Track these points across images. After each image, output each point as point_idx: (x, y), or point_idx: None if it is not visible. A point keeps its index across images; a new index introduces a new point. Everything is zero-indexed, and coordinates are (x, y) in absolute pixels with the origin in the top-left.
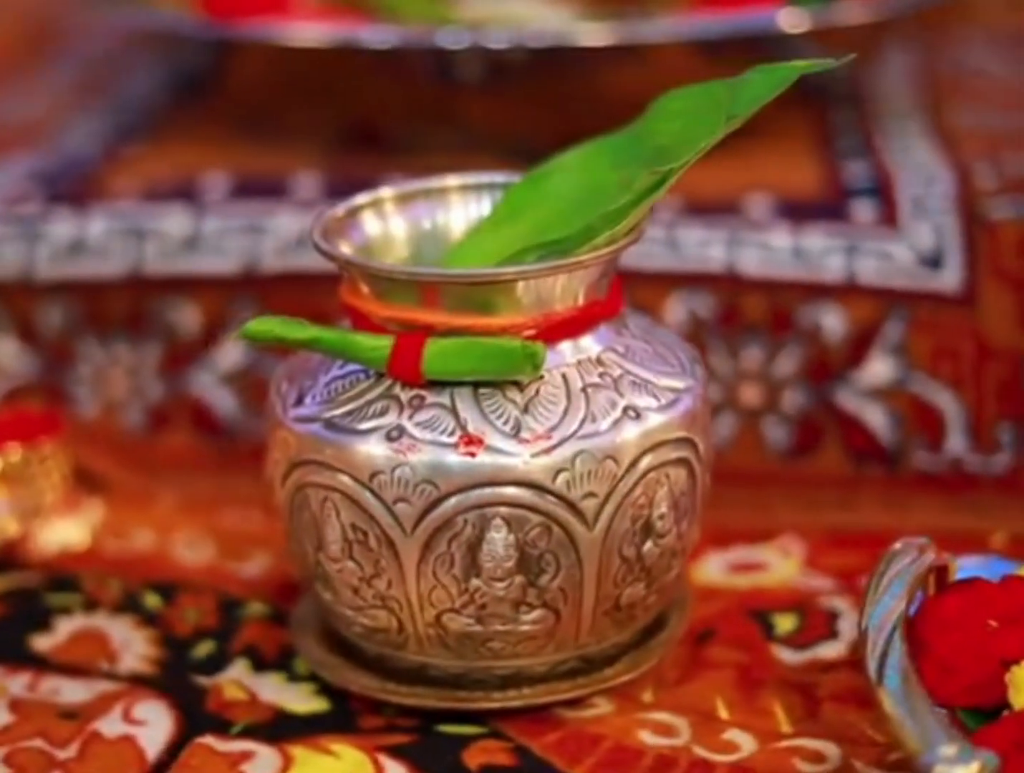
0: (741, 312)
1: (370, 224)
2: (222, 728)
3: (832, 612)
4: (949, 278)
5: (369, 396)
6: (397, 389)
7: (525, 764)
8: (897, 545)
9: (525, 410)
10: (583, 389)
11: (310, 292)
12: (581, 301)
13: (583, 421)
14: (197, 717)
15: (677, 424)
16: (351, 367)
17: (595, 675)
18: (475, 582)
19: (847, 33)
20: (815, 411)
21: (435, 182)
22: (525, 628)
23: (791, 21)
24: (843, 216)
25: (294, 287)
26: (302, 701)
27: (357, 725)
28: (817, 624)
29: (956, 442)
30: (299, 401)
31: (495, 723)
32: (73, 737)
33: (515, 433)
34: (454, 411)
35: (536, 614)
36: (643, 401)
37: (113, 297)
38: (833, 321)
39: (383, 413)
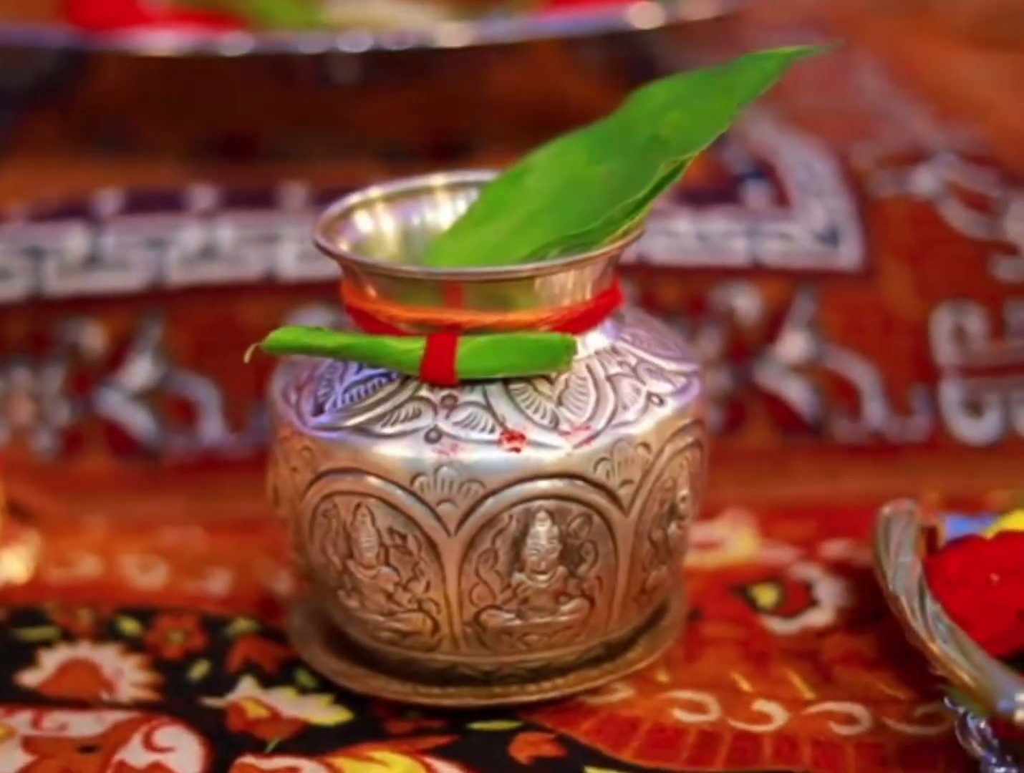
0: (657, 299)
1: (362, 224)
2: (256, 747)
3: (806, 581)
4: (848, 255)
5: (398, 399)
6: (425, 391)
7: (573, 753)
8: (886, 510)
9: (559, 403)
10: (608, 379)
11: (220, 303)
12: (592, 293)
13: (615, 410)
14: (225, 739)
15: (691, 408)
16: (369, 372)
17: (619, 660)
18: (518, 576)
19: (696, 27)
20: (739, 389)
21: (422, 181)
22: (563, 619)
23: (644, 17)
24: (737, 200)
25: (201, 300)
26: (323, 713)
27: (386, 731)
28: (796, 594)
29: (875, 410)
30: (319, 410)
31: (527, 716)
32: (101, 771)
33: (554, 426)
34: (490, 409)
35: (574, 604)
36: (661, 387)
37: (10, 321)
38: (745, 302)
39: (416, 415)
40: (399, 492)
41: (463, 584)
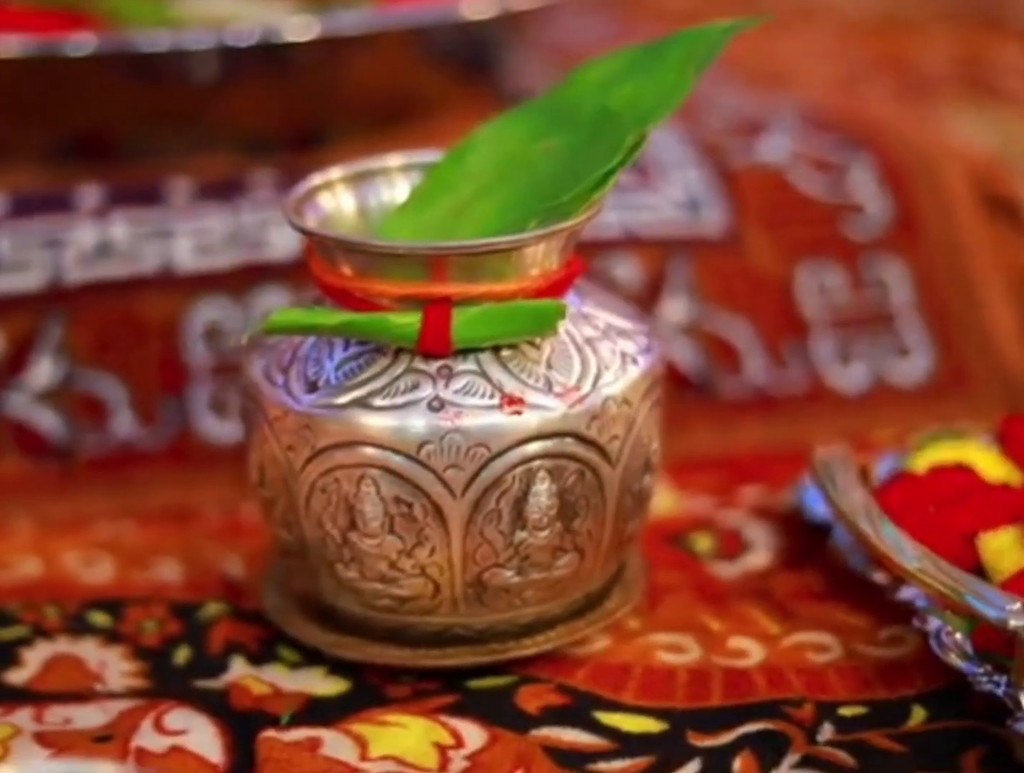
0: None
1: (325, 203)
2: (270, 722)
3: (734, 527)
4: (711, 223)
5: (393, 372)
6: (420, 363)
7: (577, 700)
8: (820, 453)
9: (549, 367)
10: (587, 342)
11: (119, 299)
12: (559, 262)
13: (599, 371)
14: (235, 717)
15: (656, 366)
16: (359, 349)
17: (599, 611)
18: (520, 535)
19: (521, 19)
20: None
21: (379, 162)
22: (558, 573)
23: (475, 9)
24: None
25: (100, 297)
26: (321, 685)
27: (387, 697)
28: (729, 539)
29: (755, 366)
30: (312, 388)
31: (521, 671)
32: (124, 758)
33: (548, 389)
34: (486, 376)
35: (567, 558)
36: (630, 347)
37: None
38: (625, 271)
39: (415, 387)
40: (405, 461)
41: (467, 546)
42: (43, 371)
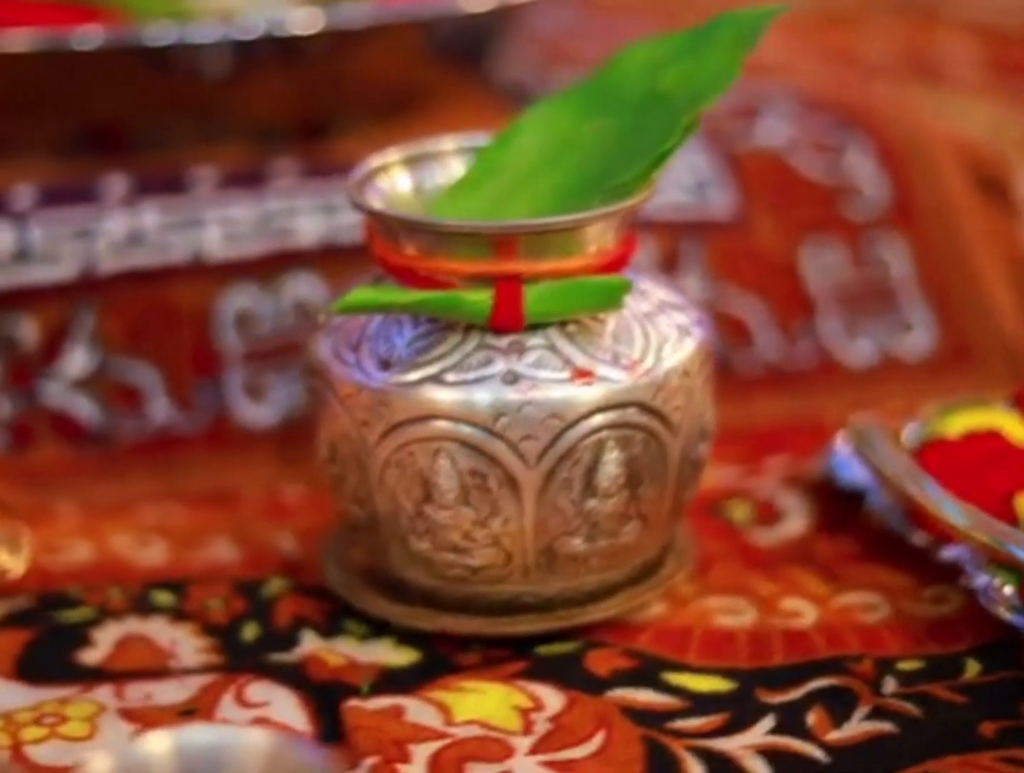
0: None
1: (383, 185)
2: (352, 692)
3: (766, 495)
4: (720, 206)
5: (465, 349)
6: (491, 339)
7: (645, 662)
8: (853, 420)
9: (614, 340)
10: (645, 316)
11: (150, 288)
12: (617, 240)
13: (660, 344)
14: (315, 688)
15: (709, 338)
16: (429, 326)
17: (656, 577)
18: (590, 503)
19: (516, 12)
20: None
21: (434, 145)
22: (623, 540)
23: (474, 3)
24: None
25: (132, 286)
26: (393, 655)
27: (459, 665)
28: (764, 507)
29: (764, 343)
30: (385, 365)
31: (585, 637)
32: None
33: (615, 361)
34: (555, 350)
35: (632, 525)
36: (683, 320)
37: None
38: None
39: (488, 362)
40: (480, 433)
41: (540, 515)
42: (78, 360)
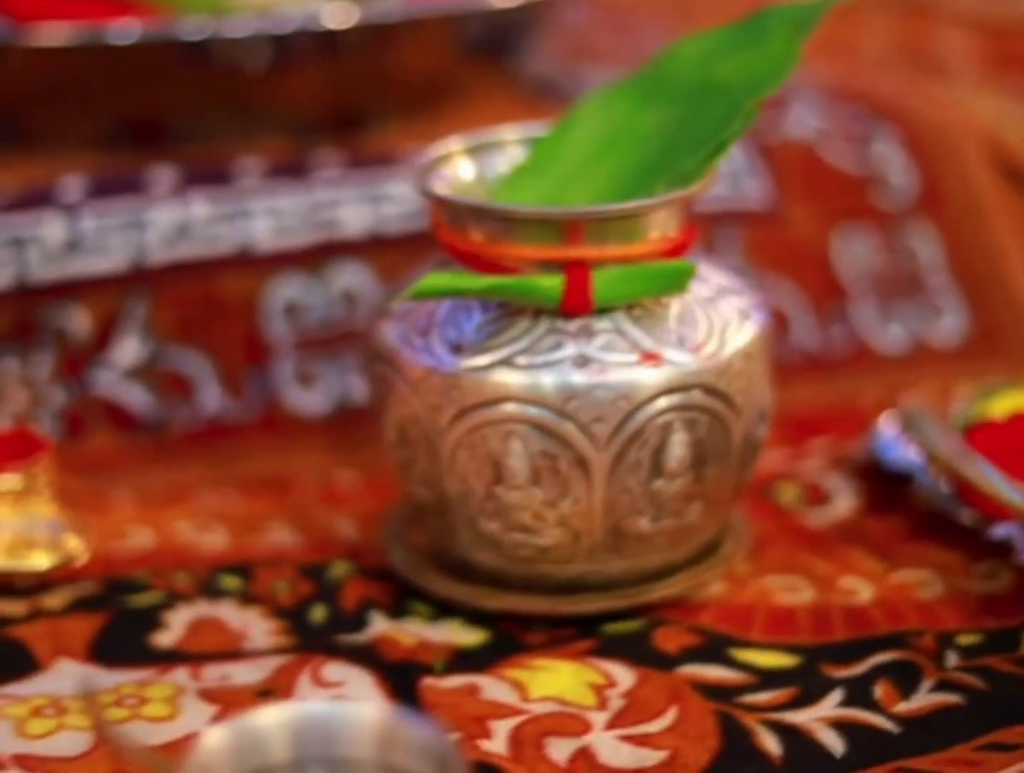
0: None
1: (446, 173)
2: (425, 671)
3: (814, 478)
4: (754, 195)
5: (536, 333)
6: (560, 323)
7: (710, 640)
8: (903, 403)
9: (679, 324)
10: (707, 300)
11: (200, 279)
12: (679, 227)
13: (725, 327)
14: (389, 668)
15: (767, 321)
16: (498, 311)
17: (715, 557)
18: (657, 483)
19: (542, 7)
20: None
21: (495, 135)
22: (687, 520)
23: None
24: None
25: (182, 276)
26: (462, 635)
27: (526, 644)
28: (812, 489)
29: (801, 329)
30: (456, 350)
31: (650, 615)
32: None
33: (680, 344)
34: (622, 333)
35: (696, 505)
36: (744, 305)
37: None
38: None
39: (558, 346)
40: (552, 415)
41: (608, 495)
42: (129, 349)
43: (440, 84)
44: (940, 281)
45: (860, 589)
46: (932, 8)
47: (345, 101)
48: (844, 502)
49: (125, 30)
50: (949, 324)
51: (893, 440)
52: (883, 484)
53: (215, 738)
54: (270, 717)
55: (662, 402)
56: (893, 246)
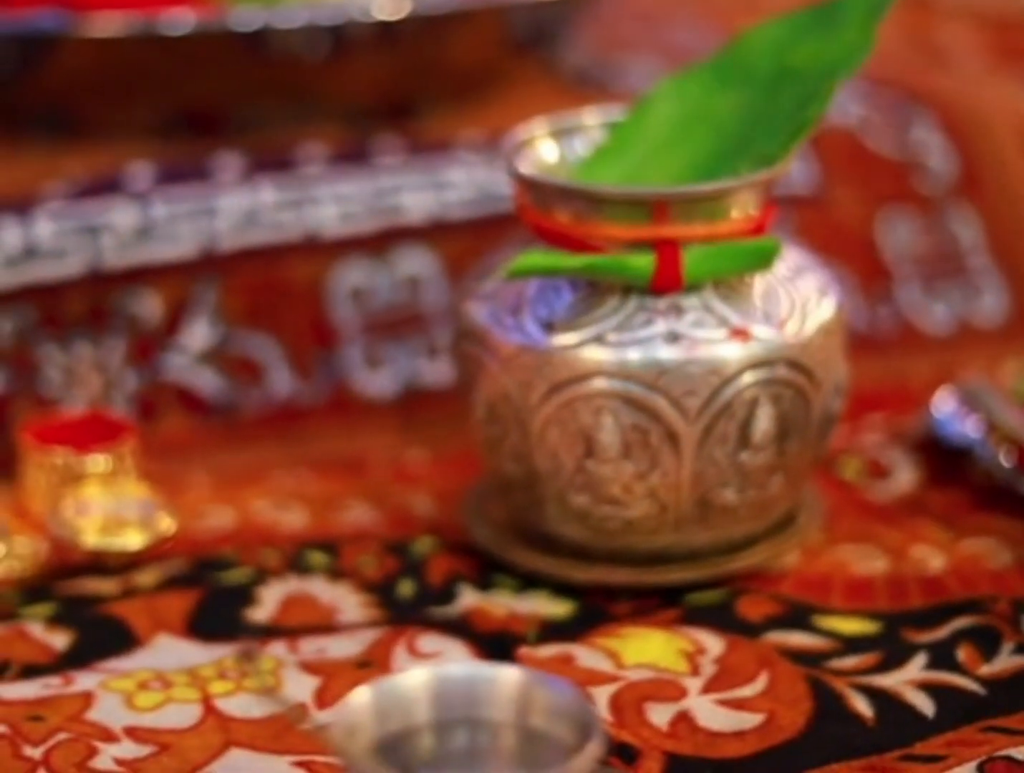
0: None
1: (531, 155)
2: (519, 641)
3: (873, 453)
4: (801, 180)
5: (626, 311)
6: (649, 301)
7: (792, 608)
8: (963, 380)
9: (764, 301)
10: (786, 279)
11: (268, 264)
12: (759, 207)
13: (805, 304)
14: (482, 639)
15: (841, 298)
16: (587, 290)
17: (792, 528)
18: (743, 455)
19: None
20: None
21: (576, 119)
22: (769, 492)
23: None
24: None
25: (250, 262)
26: (550, 607)
27: (613, 614)
28: (872, 463)
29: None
30: (548, 328)
31: (731, 586)
32: None
33: (766, 320)
34: (711, 310)
35: (778, 476)
36: (820, 283)
37: (69, 297)
38: None
39: (649, 323)
40: (643, 390)
41: (696, 467)
42: (200, 334)
43: (487, 73)
44: (981, 262)
45: (931, 558)
46: (934, 1)
47: (397, 90)
48: (905, 476)
49: (179, 20)
50: (991, 303)
51: (951, 415)
52: (942, 458)
53: (361, 698)
54: (413, 679)
55: (749, 377)
56: (934, 229)
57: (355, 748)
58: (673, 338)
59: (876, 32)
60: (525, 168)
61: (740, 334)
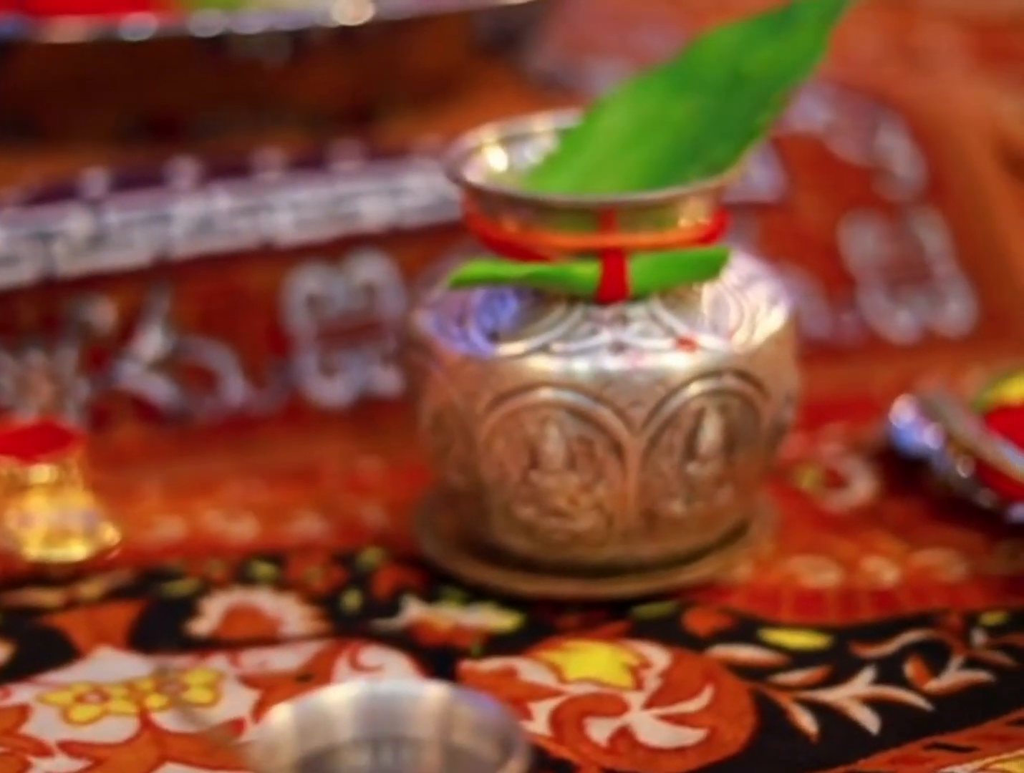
0: None
1: (479, 163)
2: (463, 655)
3: (831, 462)
4: (765, 186)
5: (572, 320)
6: (595, 310)
7: (740, 621)
8: (922, 390)
9: (712, 310)
10: (736, 288)
11: (222, 272)
12: (709, 215)
13: (754, 313)
14: (425, 652)
15: (793, 307)
16: (533, 299)
17: (743, 539)
18: (690, 467)
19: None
20: None
21: (526, 125)
22: (717, 503)
23: None
24: None
25: (205, 270)
26: (496, 620)
27: (559, 627)
28: (829, 473)
29: (811, 318)
30: (493, 337)
31: (680, 598)
32: None
33: (714, 330)
34: (657, 320)
35: (726, 487)
36: (770, 292)
37: (22, 304)
38: None
39: (594, 333)
40: (588, 401)
41: (642, 479)
42: (153, 342)
43: (451, 78)
44: (947, 269)
45: (884, 570)
46: (915, 3)
47: (359, 95)
48: (863, 486)
49: (140, 26)
50: (956, 311)
51: (909, 425)
52: (900, 468)
53: (282, 717)
54: (335, 696)
55: (696, 387)
56: (900, 235)
57: (275, 767)
58: (618, 348)
59: (829, 37)
60: (473, 176)
61: (686, 344)
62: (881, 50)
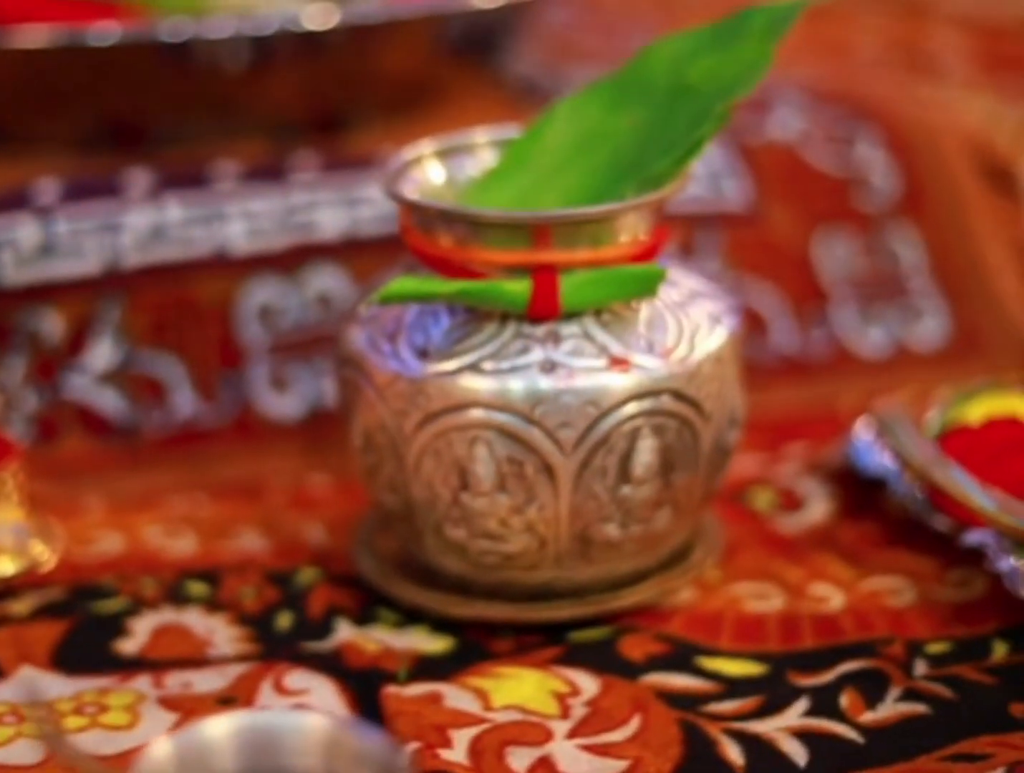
0: None
1: (416, 177)
2: (389, 678)
3: (788, 483)
4: (734, 197)
5: (503, 338)
6: (527, 328)
7: (677, 647)
8: (875, 408)
9: (648, 328)
10: (677, 305)
11: (174, 282)
12: (649, 230)
13: (694, 332)
14: (352, 676)
15: (739, 325)
16: (465, 316)
17: (685, 563)
18: (624, 489)
19: (524, 8)
20: None
21: (466, 138)
22: (655, 527)
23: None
24: None
25: (156, 280)
26: (427, 643)
27: (492, 651)
28: (786, 494)
29: (779, 332)
30: (423, 355)
31: (618, 623)
32: None
33: (649, 349)
34: (590, 338)
35: (664, 511)
36: (715, 309)
37: None
38: None
39: (526, 351)
40: (518, 421)
41: (575, 502)
42: (102, 353)
43: (422, 85)
44: (921, 284)
45: (830, 596)
46: (927, 8)
47: (326, 102)
48: (818, 508)
49: (104, 32)
50: (930, 327)
51: (868, 445)
52: (858, 490)
53: (161, 750)
54: (216, 728)
55: (630, 408)
56: (874, 249)
57: None
58: (550, 367)
59: (776, 49)
60: (409, 190)
61: (620, 363)
62: (887, 55)
